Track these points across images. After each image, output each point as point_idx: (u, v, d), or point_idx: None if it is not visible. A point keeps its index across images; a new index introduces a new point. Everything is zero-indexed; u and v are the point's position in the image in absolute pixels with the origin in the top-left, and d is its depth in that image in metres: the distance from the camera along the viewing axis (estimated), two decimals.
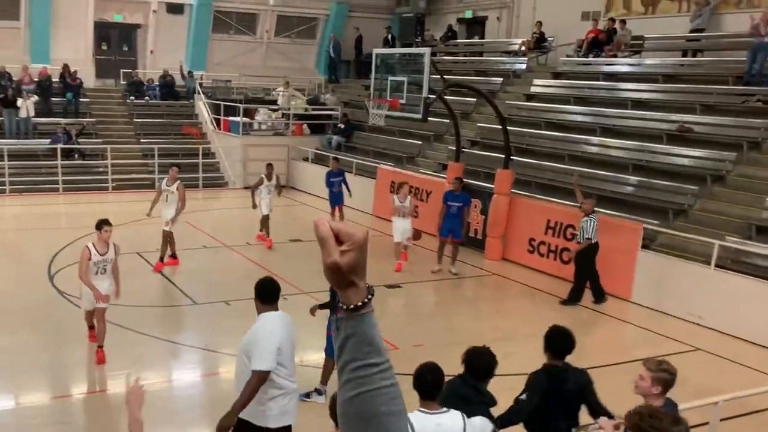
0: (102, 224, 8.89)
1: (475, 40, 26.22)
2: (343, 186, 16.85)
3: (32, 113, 22.00)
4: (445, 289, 13.61)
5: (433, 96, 14.72)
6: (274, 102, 25.68)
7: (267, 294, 5.63)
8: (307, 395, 8.24)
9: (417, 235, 14.02)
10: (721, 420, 6.85)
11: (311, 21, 29.49)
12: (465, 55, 25.45)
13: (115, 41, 27.46)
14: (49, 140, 21.68)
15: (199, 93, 25.60)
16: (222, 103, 24.28)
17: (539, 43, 22.14)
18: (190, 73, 26.32)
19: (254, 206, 15.30)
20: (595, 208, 12.46)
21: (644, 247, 12.68)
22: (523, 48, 22.52)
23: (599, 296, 12.43)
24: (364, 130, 23.05)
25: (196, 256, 14.61)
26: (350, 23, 29.28)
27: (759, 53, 15.21)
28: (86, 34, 25.82)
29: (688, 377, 9.12)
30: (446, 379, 4.85)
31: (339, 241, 1.55)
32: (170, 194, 13.28)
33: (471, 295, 13.75)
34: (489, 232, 15.38)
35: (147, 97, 25.41)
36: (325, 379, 8.26)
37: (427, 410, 4.58)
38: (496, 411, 5.34)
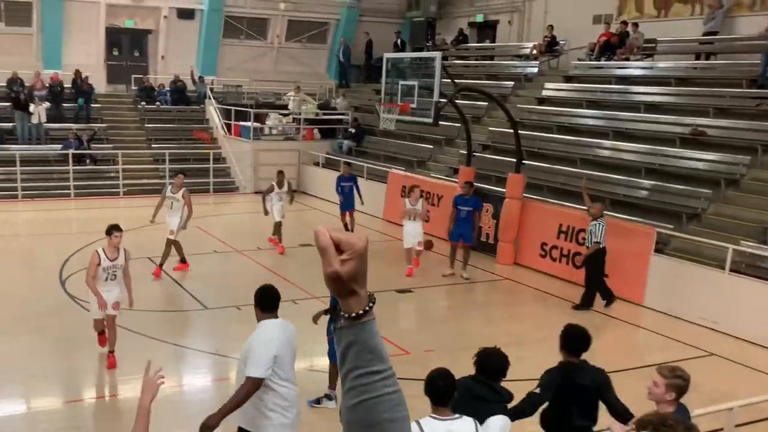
0: (112, 229, 8.84)
1: (486, 44, 26.14)
2: (355, 192, 16.77)
3: (44, 119, 22.11)
4: (457, 294, 13.53)
5: (444, 100, 14.67)
6: (285, 107, 25.70)
7: (267, 302, 5.59)
8: (318, 401, 8.22)
9: (429, 245, 13.90)
10: (736, 426, 6.79)
11: (322, 26, 29.52)
12: (476, 59, 25.41)
13: (127, 47, 27.58)
14: (60, 146, 21.78)
15: (209, 98, 25.66)
16: (233, 108, 24.32)
17: (551, 47, 22.06)
18: (200, 78, 26.38)
19: (266, 213, 15.27)
20: (608, 213, 12.38)
21: (657, 251, 12.58)
22: (534, 52, 22.44)
23: (608, 298, 12.35)
24: (375, 135, 23.03)
25: (206, 261, 14.61)
26: (361, 28, 29.29)
27: None
28: (98, 39, 25.96)
29: (702, 383, 9.02)
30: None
31: (339, 250, 1.57)
32: (175, 202, 13.18)
33: (483, 299, 13.67)
34: (501, 237, 15.30)
35: (158, 103, 25.49)
36: (333, 384, 8.22)
37: (438, 416, 4.54)
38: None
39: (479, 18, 26.72)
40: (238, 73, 28.00)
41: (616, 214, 13.93)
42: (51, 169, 21.60)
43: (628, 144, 16.04)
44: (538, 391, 5.64)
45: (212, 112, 25.33)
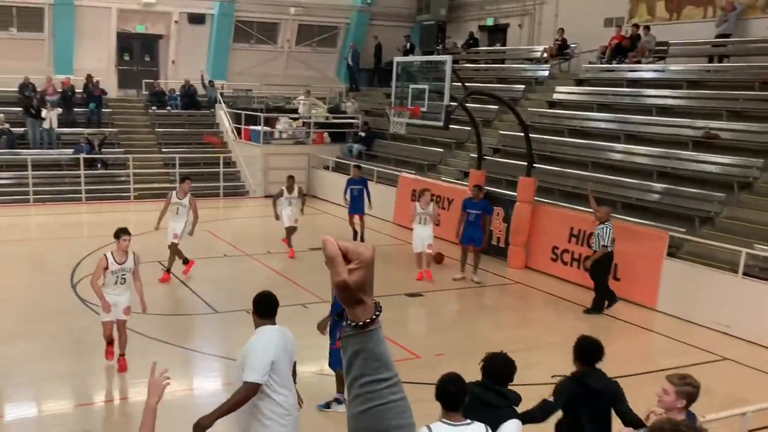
0: (120, 233, 8.82)
1: (497, 47, 26.11)
2: (365, 195, 16.71)
3: (55, 125, 22.21)
4: (467, 298, 13.48)
5: (455, 103, 14.63)
6: (295, 111, 25.71)
7: (265, 308, 5.55)
8: (327, 405, 8.20)
9: (439, 258, 13.80)
10: (749, 431, 6.69)
11: (332, 30, 29.54)
12: (486, 63, 25.35)
13: (137, 52, 27.69)
14: (72, 150, 21.87)
15: (220, 102, 25.71)
16: (243, 112, 24.35)
17: (561, 50, 21.99)
18: (211, 82, 26.45)
19: (277, 217, 15.24)
20: (620, 216, 12.31)
21: (670, 255, 12.50)
22: (545, 55, 22.38)
23: (610, 299, 12.29)
24: (385, 138, 23.01)
25: (216, 265, 14.61)
26: (371, 31, 29.31)
27: None
28: (109, 45, 26.07)
29: (716, 387, 8.95)
30: None
31: (347, 259, 1.59)
32: (181, 207, 13.12)
33: (493, 303, 13.60)
34: (512, 240, 15.23)
35: (168, 107, 25.56)
36: (340, 388, 8.21)
37: (450, 422, 4.50)
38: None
39: (490, 21, 26.68)
40: (248, 77, 28.05)
41: (629, 218, 13.86)
42: (62, 173, 21.69)
43: (640, 147, 15.95)
44: (551, 399, 5.64)
45: (222, 116, 25.38)
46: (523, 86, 21.35)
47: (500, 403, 4.98)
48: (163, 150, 23.69)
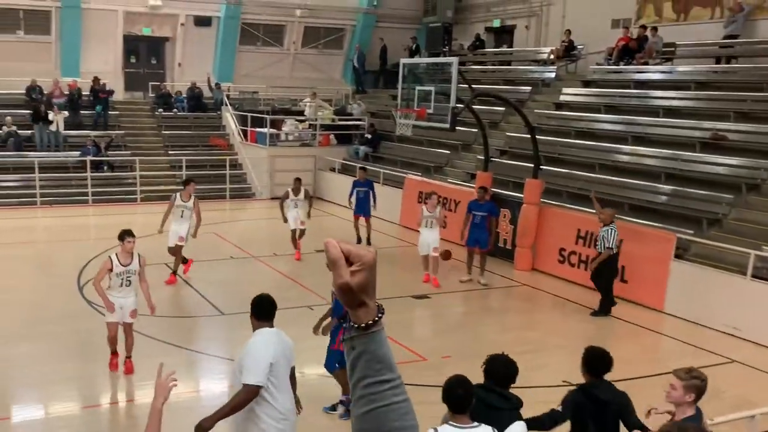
0: (124, 235, 8.80)
1: (504, 49, 26.06)
2: (371, 197, 16.66)
3: (62, 128, 22.26)
4: (474, 300, 13.43)
5: (461, 105, 14.59)
6: (301, 113, 25.71)
7: (262, 310, 5.55)
8: (333, 407, 8.20)
9: (447, 255, 13.74)
10: None
11: (338, 32, 29.56)
12: (493, 64, 25.31)
13: (144, 54, 27.76)
14: (78, 152, 21.91)
15: (226, 104, 25.73)
16: (249, 114, 24.37)
17: (568, 52, 21.94)
18: (217, 84, 26.48)
19: (285, 220, 15.20)
20: (628, 218, 12.26)
21: (678, 257, 12.43)
22: (552, 56, 22.33)
23: (603, 308, 12.26)
24: (392, 140, 22.98)
25: (223, 267, 14.61)
26: (377, 33, 29.31)
27: None
28: (115, 47, 26.15)
29: (724, 390, 8.90)
30: None
31: (349, 262, 1.61)
32: (185, 210, 13.08)
33: (500, 305, 13.56)
34: (518, 242, 15.18)
35: (175, 109, 25.62)
36: (346, 390, 8.17)
37: (458, 424, 4.49)
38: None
39: (496, 23, 26.66)
40: (255, 79, 28.08)
41: (636, 220, 13.81)
42: (69, 175, 21.74)
43: (647, 149, 15.89)
44: (559, 409, 5.63)
45: (229, 118, 25.41)
46: (530, 88, 21.31)
47: (503, 405, 4.97)
48: (170, 152, 23.73)
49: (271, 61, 28.75)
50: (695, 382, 4.87)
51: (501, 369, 5.16)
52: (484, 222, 13.73)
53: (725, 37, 17.88)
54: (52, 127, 22.07)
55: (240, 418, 5.31)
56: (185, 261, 13.46)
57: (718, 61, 18.07)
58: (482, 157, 16.80)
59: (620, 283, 12.89)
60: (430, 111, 14.83)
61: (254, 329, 5.54)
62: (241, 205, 22.58)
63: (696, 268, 12.15)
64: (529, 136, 15.39)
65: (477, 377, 5.12)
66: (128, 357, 9.08)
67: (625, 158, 16.14)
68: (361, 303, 1.62)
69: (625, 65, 19.52)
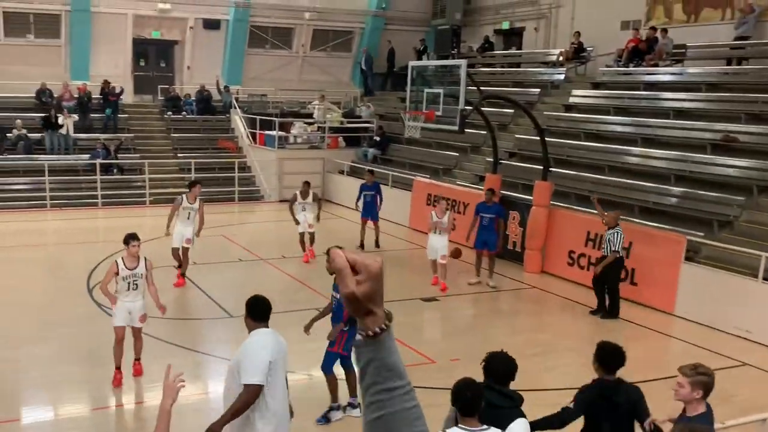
0: (129, 239, 8.77)
1: (513, 51, 26.02)
2: (377, 200, 16.63)
3: (72, 131, 22.33)
4: (483, 302, 13.39)
5: (470, 107, 14.56)
6: (310, 115, 25.72)
7: (259, 311, 5.56)
8: (342, 410, 8.15)
9: (457, 253, 13.69)
10: None
11: (347, 34, 29.59)
12: (502, 66, 25.27)
13: (153, 57, 27.87)
14: (88, 155, 21.99)
15: (235, 107, 25.79)
16: (258, 117, 24.41)
17: (578, 54, 21.87)
18: (226, 87, 26.53)
19: (297, 222, 15.18)
20: (638, 220, 12.20)
21: (688, 259, 12.36)
22: (561, 58, 22.26)
23: (602, 309, 12.22)
24: (400, 143, 22.95)
25: (231, 269, 14.62)
26: (385, 36, 29.31)
27: None
28: (125, 50, 26.24)
29: (736, 393, 8.83)
30: None
31: (355, 271, 1.62)
32: (192, 212, 13.05)
33: (509, 308, 13.50)
34: (528, 245, 15.13)
35: (184, 112, 25.69)
36: (353, 392, 8.21)
37: (467, 427, 4.46)
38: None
39: (505, 25, 26.60)
40: (263, 82, 28.13)
41: (646, 222, 13.75)
42: (79, 178, 21.81)
43: (657, 151, 15.82)
44: (571, 406, 5.62)
45: (237, 121, 25.45)
46: (539, 90, 21.25)
47: (503, 403, 4.97)
48: (179, 155, 23.79)
49: (279, 64, 28.80)
50: (702, 378, 4.83)
51: (500, 367, 5.17)
52: (492, 224, 13.69)
53: (736, 39, 17.79)
54: (62, 131, 22.16)
55: (237, 419, 5.30)
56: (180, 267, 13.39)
57: (729, 63, 17.97)
58: (491, 160, 16.76)
59: (630, 286, 12.84)
60: (439, 113, 14.80)
61: (250, 330, 5.56)
62: (250, 207, 22.60)
63: (707, 271, 12.07)
64: (538, 138, 15.34)
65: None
66: (137, 359, 9.09)
67: (635, 160, 16.06)
68: (368, 312, 1.63)
69: (634, 67, 19.44)
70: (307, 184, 15.47)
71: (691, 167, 14.74)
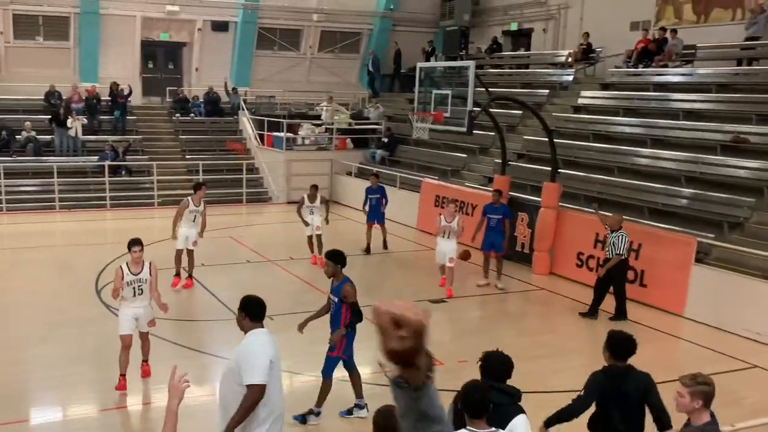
0: (131, 244, 8.71)
1: (521, 52, 25.96)
2: (383, 203, 16.57)
3: (80, 133, 22.39)
4: (491, 304, 13.34)
5: (478, 109, 14.52)
6: (318, 117, 25.74)
7: (256, 311, 5.57)
8: (349, 412, 8.15)
9: (466, 255, 13.62)
10: None
11: (355, 36, 29.59)
12: (510, 68, 25.22)
13: (161, 59, 27.94)
14: (97, 157, 22.05)
15: (243, 109, 25.82)
16: (266, 118, 24.44)
17: (587, 54, 21.79)
18: (234, 89, 26.58)
19: (306, 224, 15.13)
20: (647, 222, 12.13)
21: (698, 261, 12.28)
22: (570, 59, 22.19)
23: (595, 311, 12.18)
24: (408, 144, 22.93)
25: (239, 271, 14.61)
26: (393, 37, 29.30)
27: None
28: (133, 52, 26.32)
29: (745, 395, 8.77)
30: None
31: (398, 326, 1.61)
32: (197, 215, 13.03)
33: (517, 310, 13.45)
34: (536, 246, 15.07)
35: (192, 114, 25.73)
36: (358, 393, 8.17)
37: (475, 429, 4.43)
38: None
39: (513, 26, 26.55)
40: (271, 84, 28.16)
41: (655, 223, 13.69)
42: (87, 180, 21.87)
43: (667, 152, 15.74)
44: (582, 393, 5.66)
45: (245, 123, 25.48)
46: (548, 91, 21.20)
47: (503, 400, 4.97)
48: (187, 157, 23.82)
49: (287, 66, 28.82)
50: (702, 388, 4.73)
51: (498, 365, 5.21)
52: (500, 225, 13.64)
53: (746, 39, 17.68)
54: (71, 133, 22.22)
55: (229, 414, 5.29)
56: (178, 274, 13.25)
57: (739, 63, 17.87)
58: (499, 161, 16.70)
59: (640, 288, 12.77)
60: (447, 114, 14.75)
61: (246, 330, 5.57)
62: (258, 209, 22.61)
63: (717, 273, 11.99)
64: (546, 139, 15.29)
65: None
66: (145, 360, 9.08)
67: (645, 161, 15.98)
68: (410, 365, 1.63)
69: (644, 68, 19.36)
70: (314, 187, 15.41)
71: (701, 168, 14.65)
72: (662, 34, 19.39)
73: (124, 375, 8.73)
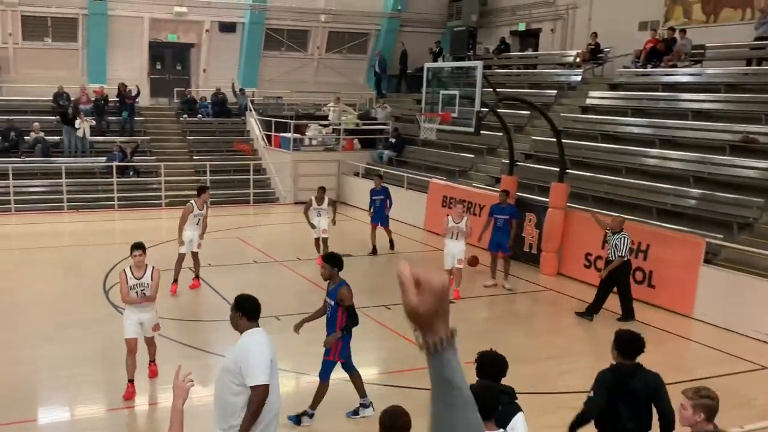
0: (132, 249, 8.72)
1: (529, 52, 25.90)
2: (387, 204, 16.50)
3: (88, 134, 22.45)
4: (499, 305, 13.30)
5: (486, 109, 14.48)
6: (325, 117, 25.74)
7: (254, 311, 5.58)
8: (355, 412, 8.14)
9: (474, 261, 13.55)
10: None
11: (362, 36, 29.58)
12: (518, 68, 25.16)
13: (169, 60, 28.00)
14: (105, 158, 22.11)
15: (250, 110, 25.83)
16: (273, 119, 24.45)
17: (595, 55, 21.72)
18: (241, 90, 26.59)
19: (313, 227, 15.10)
20: (656, 222, 12.06)
21: (707, 261, 12.21)
22: (578, 59, 22.12)
23: (594, 311, 12.14)
24: (416, 144, 22.91)
25: (246, 271, 14.61)
26: (401, 38, 29.28)
27: None
28: (141, 53, 26.39)
29: (755, 397, 8.71)
30: None
31: (419, 286, 1.66)
32: (201, 217, 12.99)
33: (525, 311, 13.40)
34: (544, 247, 15.01)
35: (200, 115, 25.76)
36: (362, 393, 8.16)
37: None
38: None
39: (521, 27, 26.49)
40: (279, 84, 28.17)
41: (664, 224, 13.62)
42: (95, 181, 21.93)
43: (675, 152, 15.66)
44: (591, 394, 5.65)
45: (253, 123, 25.49)
46: (556, 91, 21.14)
47: (503, 399, 4.97)
48: (195, 157, 23.85)
49: (295, 66, 28.83)
50: (705, 401, 4.67)
51: (493, 365, 5.22)
52: (507, 226, 13.60)
53: (756, 39, 17.58)
54: (79, 134, 22.28)
55: (228, 415, 5.29)
56: (176, 281, 13.10)
57: (748, 63, 17.78)
58: (507, 161, 16.64)
59: (648, 288, 12.71)
60: (455, 115, 14.73)
61: (243, 329, 5.56)
62: (265, 209, 22.62)
63: (726, 273, 11.92)
64: (554, 139, 15.24)
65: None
66: (152, 361, 9.10)
67: (653, 162, 15.92)
68: (428, 326, 1.67)
69: (652, 68, 19.28)
70: (322, 189, 15.35)
71: (709, 169, 14.58)
72: (671, 34, 19.31)
73: (132, 381, 8.67)
